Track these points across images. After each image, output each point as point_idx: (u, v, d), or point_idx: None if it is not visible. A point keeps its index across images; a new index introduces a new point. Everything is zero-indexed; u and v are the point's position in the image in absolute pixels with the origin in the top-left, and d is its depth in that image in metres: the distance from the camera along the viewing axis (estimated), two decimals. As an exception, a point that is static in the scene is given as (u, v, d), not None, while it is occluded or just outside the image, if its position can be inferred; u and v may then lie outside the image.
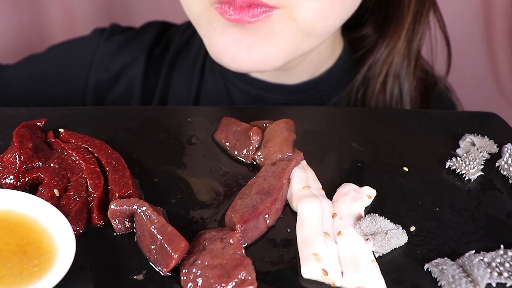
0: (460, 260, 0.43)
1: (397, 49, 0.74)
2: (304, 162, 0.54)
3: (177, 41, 0.84)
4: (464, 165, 0.54)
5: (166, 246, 0.41)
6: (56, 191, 0.46)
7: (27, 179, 0.48)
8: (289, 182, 0.51)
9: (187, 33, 0.85)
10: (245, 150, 0.55)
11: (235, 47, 0.62)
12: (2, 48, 1.06)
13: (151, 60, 0.82)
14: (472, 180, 0.53)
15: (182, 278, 0.40)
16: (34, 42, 1.09)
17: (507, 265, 0.42)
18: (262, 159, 0.53)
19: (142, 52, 0.82)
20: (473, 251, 0.44)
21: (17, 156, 0.48)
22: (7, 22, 1.05)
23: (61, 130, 0.55)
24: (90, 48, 0.83)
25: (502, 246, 0.45)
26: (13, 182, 0.48)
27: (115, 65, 0.82)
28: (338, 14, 0.63)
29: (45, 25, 1.09)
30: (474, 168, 0.53)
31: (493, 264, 0.42)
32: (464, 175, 0.54)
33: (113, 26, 0.86)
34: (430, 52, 0.80)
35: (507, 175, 0.54)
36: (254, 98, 0.76)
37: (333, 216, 0.47)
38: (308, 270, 0.42)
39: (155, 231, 0.41)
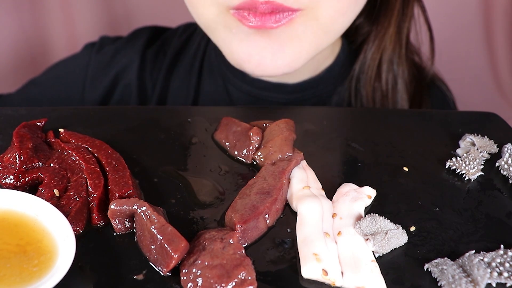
0: (460, 260, 0.43)
1: (388, 35, 0.76)
2: (304, 162, 0.54)
3: (174, 45, 0.84)
4: (464, 165, 0.54)
5: (166, 246, 0.41)
6: (56, 191, 0.46)
7: (27, 179, 0.48)
8: (289, 182, 0.51)
9: (184, 36, 0.85)
10: (245, 150, 0.55)
11: (259, 55, 0.61)
12: (4, 52, 1.06)
13: (145, 64, 0.83)
14: (472, 180, 0.53)
15: (182, 278, 0.40)
16: (35, 46, 1.09)
17: (507, 265, 0.42)
18: (262, 159, 0.53)
19: (135, 58, 0.82)
20: (473, 251, 0.44)
21: (17, 156, 0.48)
22: (8, 27, 1.05)
23: (61, 130, 0.55)
24: (81, 63, 0.84)
25: (502, 246, 0.45)
26: (13, 182, 0.48)
27: (109, 75, 0.83)
28: (353, 9, 0.64)
29: (46, 31, 1.09)
30: (474, 168, 0.53)
31: (493, 264, 0.42)
32: (464, 175, 0.54)
33: (102, 38, 0.86)
34: (416, 39, 0.82)
35: (507, 175, 0.54)
36: (255, 98, 0.76)
37: (333, 216, 0.47)
38: (308, 270, 0.42)
39: (155, 231, 0.41)
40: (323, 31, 0.62)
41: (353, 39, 0.81)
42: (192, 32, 0.85)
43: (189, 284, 0.40)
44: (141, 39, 0.84)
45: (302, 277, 0.42)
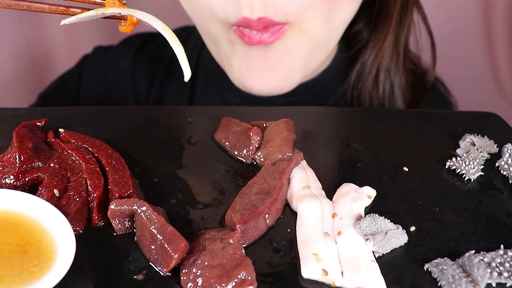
0: (460, 260, 0.43)
1: (386, 44, 0.76)
2: (304, 162, 0.54)
3: (169, 49, 0.84)
4: (464, 165, 0.54)
5: (166, 246, 0.41)
6: (56, 191, 0.46)
7: (27, 179, 0.48)
8: (289, 182, 0.51)
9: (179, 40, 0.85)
10: (245, 150, 0.55)
11: (259, 70, 0.64)
12: (6, 58, 1.06)
13: (139, 71, 0.83)
14: (472, 180, 0.53)
15: (182, 278, 0.40)
16: (37, 51, 1.09)
17: (507, 265, 0.42)
18: (262, 159, 0.53)
19: (127, 65, 0.83)
20: (473, 251, 0.44)
21: (17, 156, 0.48)
22: (10, 33, 1.05)
23: (61, 130, 0.55)
24: (74, 77, 0.85)
25: (502, 246, 0.45)
26: (13, 182, 0.48)
27: (102, 85, 0.84)
28: (340, 16, 0.64)
29: (47, 35, 1.09)
30: (474, 168, 0.53)
31: (493, 264, 0.42)
32: (464, 175, 0.54)
33: (96, 48, 0.88)
34: (416, 46, 0.82)
35: (507, 175, 0.54)
36: (250, 102, 0.76)
37: (333, 216, 0.47)
38: (308, 270, 0.42)
39: (155, 231, 0.41)
40: (314, 44, 0.64)
41: (351, 43, 0.81)
42: (187, 36, 0.85)
43: (189, 284, 0.40)
44: (133, 46, 0.85)
45: (302, 277, 0.42)
